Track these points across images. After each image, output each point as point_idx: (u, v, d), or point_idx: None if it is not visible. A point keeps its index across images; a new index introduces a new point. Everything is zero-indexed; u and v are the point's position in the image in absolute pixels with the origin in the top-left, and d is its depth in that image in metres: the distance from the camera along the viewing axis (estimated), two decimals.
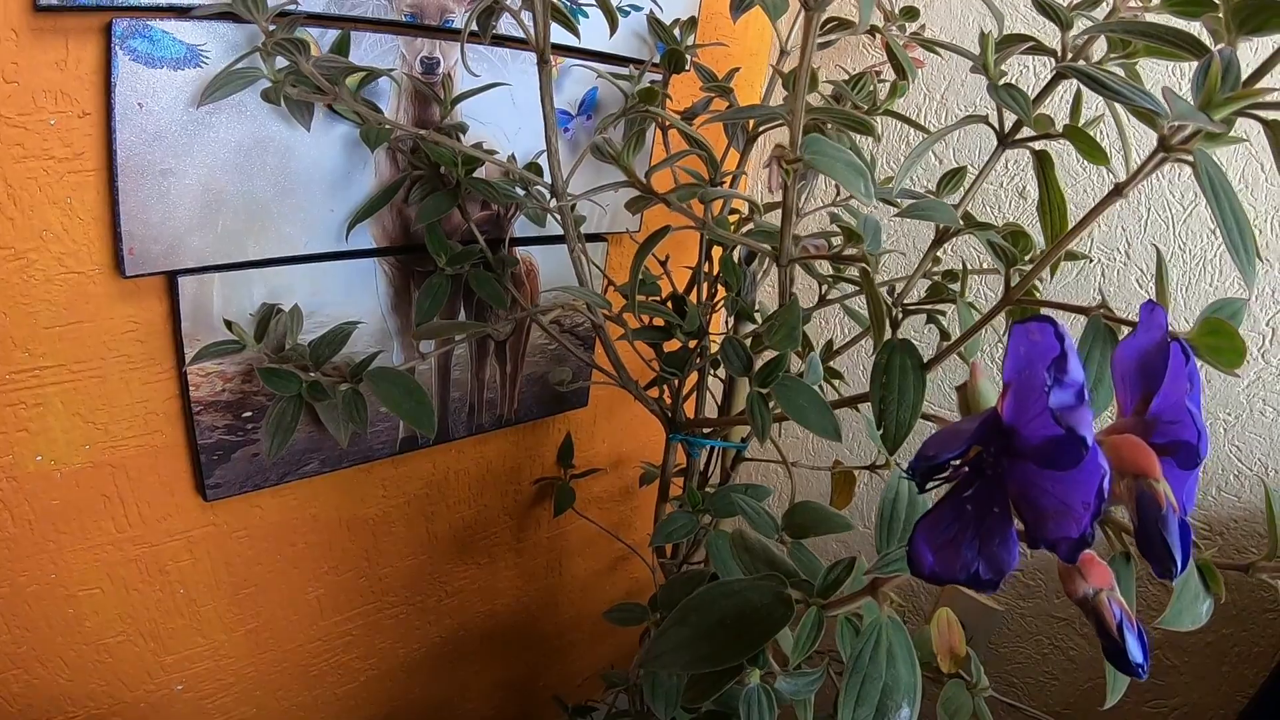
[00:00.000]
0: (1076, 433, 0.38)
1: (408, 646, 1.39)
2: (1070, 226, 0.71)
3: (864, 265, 0.66)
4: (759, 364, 0.80)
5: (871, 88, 0.99)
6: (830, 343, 1.11)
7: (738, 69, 1.07)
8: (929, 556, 0.45)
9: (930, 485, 0.44)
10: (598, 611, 1.68)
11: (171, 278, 0.89)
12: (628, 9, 1.12)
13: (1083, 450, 0.38)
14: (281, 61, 0.82)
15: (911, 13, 0.99)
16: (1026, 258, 0.88)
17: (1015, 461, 0.42)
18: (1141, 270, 1.23)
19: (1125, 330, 0.62)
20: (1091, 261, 1.26)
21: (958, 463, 0.44)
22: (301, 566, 1.18)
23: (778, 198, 0.84)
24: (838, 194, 1.38)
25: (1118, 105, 0.67)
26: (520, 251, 1.17)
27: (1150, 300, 0.47)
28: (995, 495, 0.43)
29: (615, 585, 1.72)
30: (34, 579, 0.94)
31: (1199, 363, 0.54)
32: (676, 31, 1.09)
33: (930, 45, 0.86)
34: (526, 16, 0.82)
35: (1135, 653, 0.44)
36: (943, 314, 0.97)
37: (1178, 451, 0.43)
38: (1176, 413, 0.43)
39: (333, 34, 0.89)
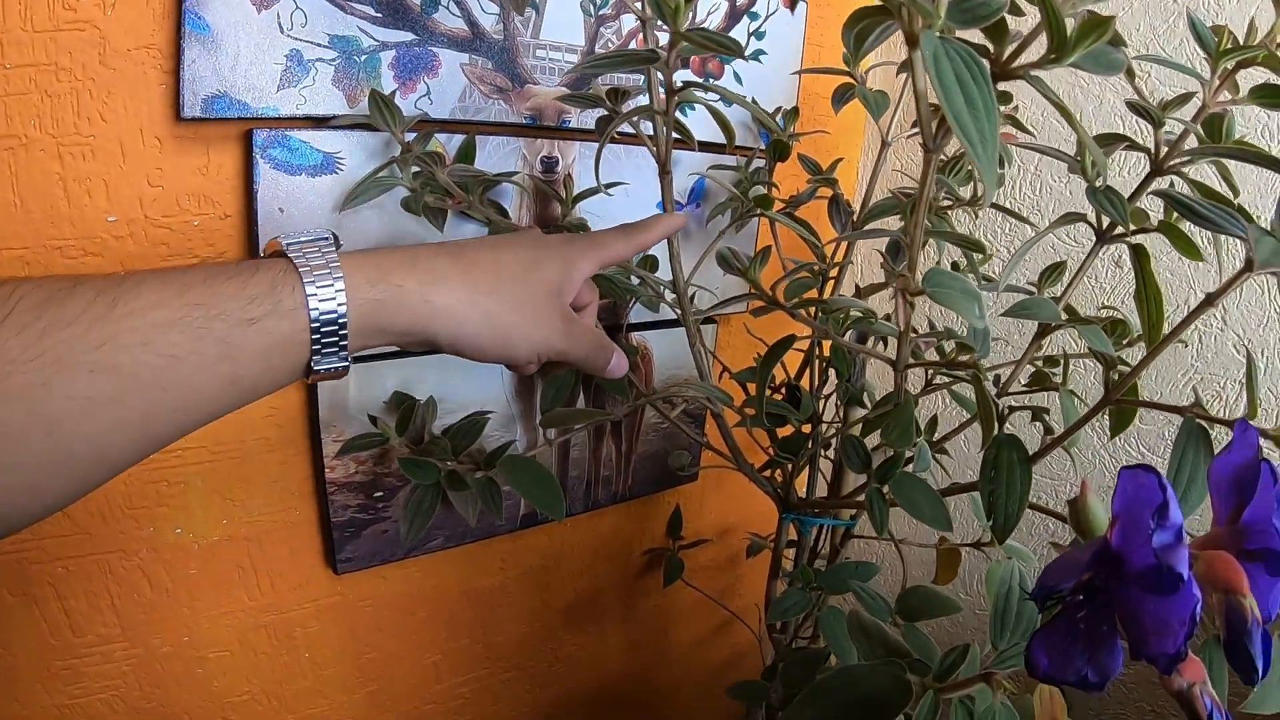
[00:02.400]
0: (1175, 570, 0.44)
1: (517, 710, 1.41)
2: (1166, 316, 0.74)
3: (975, 370, 0.69)
4: (874, 457, 0.83)
5: (969, 168, 1.00)
6: (934, 419, 1.13)
7: (841, 160, 1.10)
8: (1044, 661, 0.50)
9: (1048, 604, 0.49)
10: (698, 677, 1.69)
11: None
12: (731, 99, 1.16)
13: (1180, 583, 0.43)
14: (415, 168, 0.87)
15: (1005, 97, 1.01)
16: (1125, 342, 0.91)
17: (1122, 584, 0.47)
18: (1237, 336, 1.23)
19: (1217, 429, 0.65)
20: (1187, 346, 1.27)
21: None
22: (421, 634, 1.21)
23: (880, 278, 0.88)
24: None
25: None
26: (635, 337, 1.21)
27: (1243, 419, 0.51)
28: (1104, 613, 0.49)
29: (717, 651, 1.73)
30: (167, 641, 0.98)
31: None
32: (779, 119, 1.11)
33: (1030, 148, 0.89)
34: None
35: None
36: (1047, 411, 0.99)
37: (1266, 559, 0.48)
38: (1266, 524, 0.48)
39: (459, 138, 0.94)
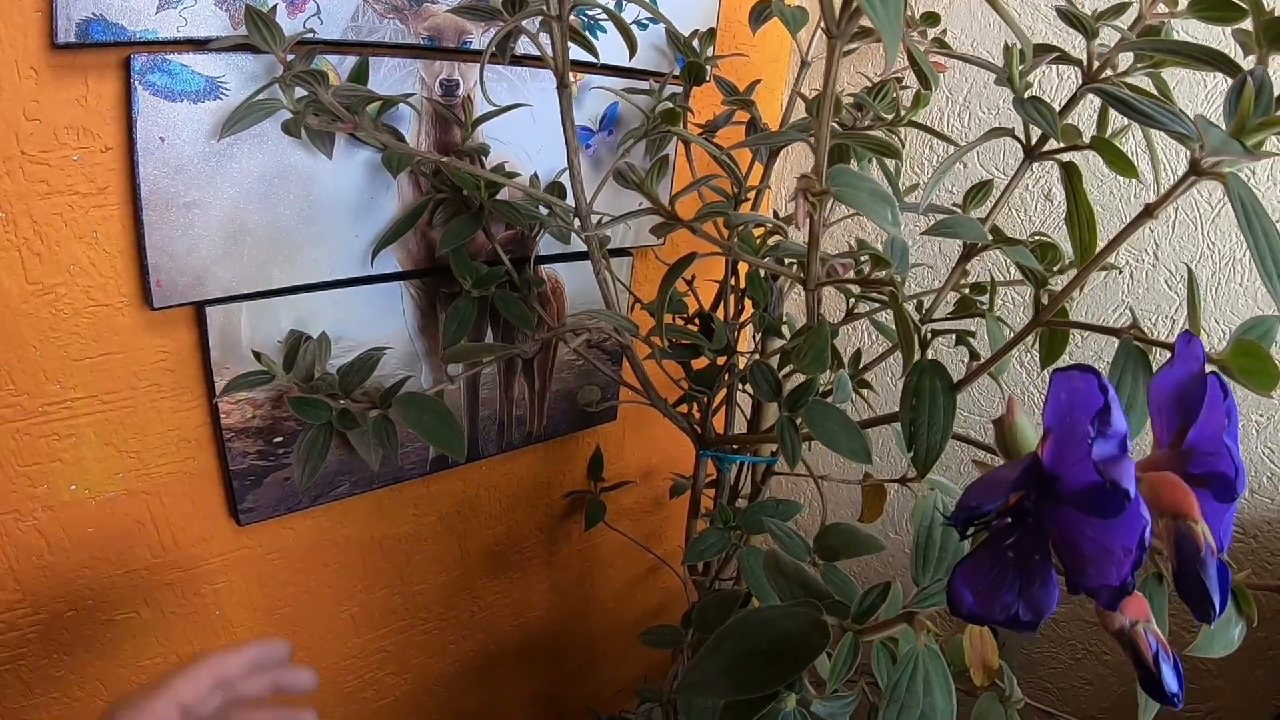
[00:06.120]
0: (1120, 485, 0.38)
1: (441, 661, 1.39)
2: (1099, 242, 0.70)
3: (892, 289, 0.66)
4: (788, 386, 0.80)
5: (894, 95, 0.98)
6: (858, 353, 1.10)
7: (758, 81, 1.07)
8: (968, 598, 0.45)
9: (970, 531, 0.44)
10: (629, 622, 1.68)
11: (199, 308, 0.90)
12: (645, 22, 1.11)
13: (1125, 501, 0.38)
14: (301, 91, 0.82)
15: (933, 18, 0.98)
16: (1055, 269, 0.88)
17: (1056, 506, 0.42)
18: (1170, 272, 1.22)
19: (1156, 351, 0.62)
20: (1120, 271, 1.25)
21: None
22: (335, 586, 1.18)
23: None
24: None
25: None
26: (545, 269, 1.17)
27: (1186, 331, 0.46)
28: (1036, 541, 0.44)
29: (646, 596, 1.72)
30: (71, 604, 0.95)
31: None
32: (695, 43, 1.07)
33: (954, 56, 0.85)
34: (545, 37, 0.82)
35: (1170, 683, 0.43)
36: (972, 334, 0.96)
37: (1214, 483, 0.43)
38: (1214, 445, 0.43)
39: (351, 60, 0.89)
